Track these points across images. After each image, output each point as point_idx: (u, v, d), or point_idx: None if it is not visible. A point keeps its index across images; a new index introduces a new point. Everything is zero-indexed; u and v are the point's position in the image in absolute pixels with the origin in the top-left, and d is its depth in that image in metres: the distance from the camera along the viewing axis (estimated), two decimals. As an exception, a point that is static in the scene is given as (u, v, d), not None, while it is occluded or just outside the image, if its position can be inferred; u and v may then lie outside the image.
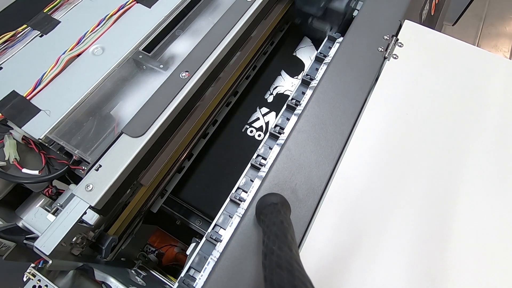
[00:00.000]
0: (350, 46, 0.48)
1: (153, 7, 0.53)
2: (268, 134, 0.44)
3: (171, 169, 0.55)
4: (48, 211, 0.44)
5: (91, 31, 0.50)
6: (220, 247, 0.37)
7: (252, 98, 0.67)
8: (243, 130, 0.63)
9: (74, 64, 0.47)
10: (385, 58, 0.48)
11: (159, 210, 0.58)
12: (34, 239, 0.37)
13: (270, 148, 0.43)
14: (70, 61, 0.47)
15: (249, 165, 0.43)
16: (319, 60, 0.51)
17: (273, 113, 0.65)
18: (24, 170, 0.42)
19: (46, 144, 0.42)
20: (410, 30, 0.50)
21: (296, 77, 0.68)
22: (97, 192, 0.36)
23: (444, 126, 0.42)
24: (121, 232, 0.49)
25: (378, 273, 0.33)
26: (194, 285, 0.36)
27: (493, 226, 0.36)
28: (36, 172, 0.42)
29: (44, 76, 0.45)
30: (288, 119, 0.46)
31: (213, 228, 0.39)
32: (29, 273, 0.37)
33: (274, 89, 0.68)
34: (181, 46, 0.50)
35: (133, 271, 0.53)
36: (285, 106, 0.47)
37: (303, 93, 0.48)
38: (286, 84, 0.68)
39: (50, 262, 0.35)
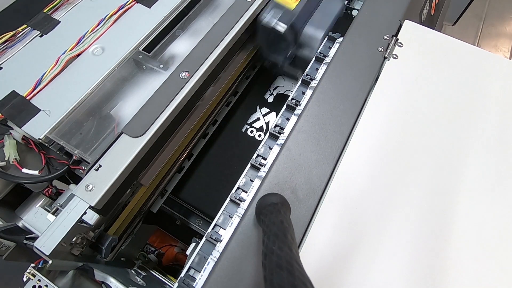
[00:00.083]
0: (350, 46, 0.48)
1: (153, 7, 0.53)
2: (268, 134, 0.44)
3: (171, 169, 0.55)
4: (48, 211, 0.44)
5: (91, 31, 0.50)
6: (220, 247, 0.37)
7: (252, 98, 0.67)
8: (243, 130, 0.63)
9: (74, 64, 0.47)
10: (385, 58, 0.48)
11: (159, 210, 0.58)
12: (34, 239, 0.37)
13: (270, 148, 0.43)
14: (70, 61, 0.47)
15: (249, 165, 0.43)
16: (319, 60, 0.51)
17: (274, 113, 0.65)
18: (24, 170, 0.42)
19: (46, 144, 0.42)
20: (410, 30, 0.50)
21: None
22: (97, 192, 0.36)
23: (444, 126, 0.42)
24: (121, 232, 0.49)
25: (378, 273, 0.33)
26: (194, 285, 0.36)
27: (493, 226, 0.36)
28: (36, 172, 0.42)
29: (44, 76, 0.45)
30: (288, 119, 0.46)
31: (213, 228, 0.39)
32: (29, 273, 0.37)
33: (274, 89, 0.68)
34: (181, 46, 0.50)
35: (133, 271, 0.53)
36: (285, 106, 0.47)
37: (303, 93, 0.47)
38: (286, 84, 0.68)
39: (50, 262, 0.35)
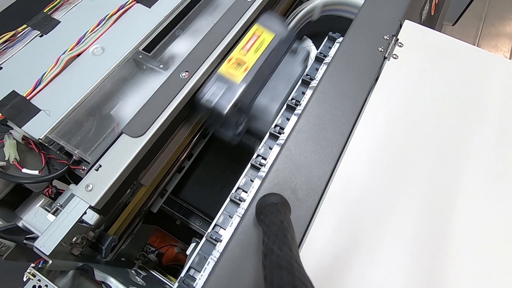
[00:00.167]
0: (350, 46, 0.48)
1: (153, 7, 0.53)
2: (268, 134, 0.44)
3: (171, 169, 0.55)
4: (48, 211, 0.44)
5: (91, 31, 0.50)
6: (220, 247, 0.37)
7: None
8: (243, 131, 0.63)
9: (74, 64, 0.47)
10: (385, 58, 0.48)
11: (159, 210, 0.58)
12: (34, 239, 0.37)
13: (270, 148, 0.43)
14: (70, 61, 0.47)
15: (249, 165, 0.43)
16: (319, 60, 0.51)
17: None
18: (24, 170, 0.42)
19: (46, 144, 0.42)
20: (410, 30, 0.50)
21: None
22: (97, 192, 0.36)
23: (444, 126, 0.42)
24: (121, 232, 0.49)
25: (378, 273, 0.33)
26: (194, 285, 0.36)
27: (493, 226, 0.36)
28: (36, 172, 0.42)
29: (44, 76, 0.45)
30: (288, 119, 0.46)
31: (213, 228, 0.39)
32: (29, 273, 0.37)
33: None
34: (181, 46, 0.50)
35: (133, 271, 0.53)
36: (285, 106, 0.47)
37: (303, 93, 0.47)
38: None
39: (50, 262, 0.35)
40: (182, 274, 0.37)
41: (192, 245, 0.42)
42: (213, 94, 0.44)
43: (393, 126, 0.42)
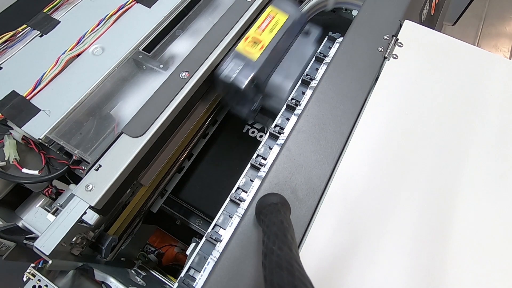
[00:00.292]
0: (350, 46, 0.48)
1: (153, 7, 0.53)
2: (268, 134, 0.44)
3: (171, 169, 0.55)
4: (48, 211, 0.44)
5: (91, 31, 0.50)
6: (220, 247, 0.37)
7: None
8: (244, 131, 0.63)
9: (74, 64, 0.47)
10: (385, 58, 0.48)
11: (159, 210, 0.58)
12: (34, 239, 0.37)
13: (270, 148, 0.43)
14: (70, 61, 0.47)
15: (249, 165, 0.43)
16: (319, 60, 0.51)
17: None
18: (24, 170, 0.42)
19: (46, 144, 0.42)
20: (410, 30, 0.50)
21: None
22: (97, 192, 0.36)
23: (444, 126, 0.42)
24: (121, 232, 0.49)
25: (378, 273, 0.33)
26: (194, 285, 0.36)
27: (493, 226, 0.36)
28: (36, 172, 0.42)
29: (44, 76, 0.45)
30: (288, 119, 0.46)
31: (213, 228, 0.39)
32: (29, 273, 0.37)
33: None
34: (181, 46, 0.50)
35: (133, 271, 0.53)
36: (285, 106, 0.47)
37: (303, 93, 0.47)
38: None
39: (50, 262, 0.35)
40: (182, 274, 0.37)
41: (192, 245, 0.42)
42: (231, 70, 0.46)
43: (393, 126, 0.42)
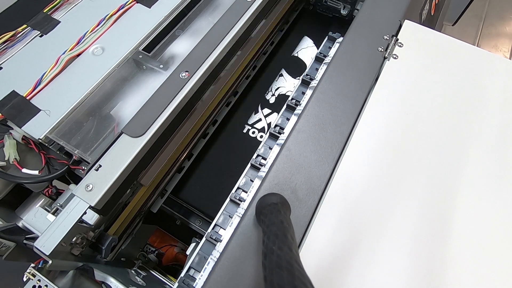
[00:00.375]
0: (350, 46, 0.48)
1: (153, 7, 0.53)
2: (268, 134, 0.44)
3: (171, 169, 0.55)
4: (48, 211, 0.44)
5: (91, 31, 0.50)
6: (220, 247, 0.37)
7: (253, 99, 0.67)
8: (244, 131, 0.63)
9: (74, 64, 0.47)
10: (385, 58, 0.48)
11: (159, 210, 0.58)
12: (34, 239, 0.37)
13: (270, 148, 0.43)
14: (70, 61, 0.47)
15: (249, 165, 0.43)
16: (319, 60, 0.51)
17: (275, 114, 0.64)
18: (24, 170, 0.42)
19: (46, 144, 0.42)
20: (410, 30, 0.50)
21: (298, 77, 0.68)
22: (97, 192, 0.36)
23: (444, 126, 0.42)
24: (121, 232, 0.49)
25: (378, 273, 0.33)
26: (194, 285, 0.36)
27: (493, 226, 0.36)
28: (36, 172, 0.42)
29: (44, 76, 0.45)
30: (288, 119, 0.46)
31: (213, 228, 0.39)
32: (29, 273, 0.37)
33: (276, 90, 0.67)
34: (181, 46, 0.50)
35: (133, 271, 0.53)
36: (285, 106, 0.47)
37: (303, 93, 0.48)
38: (288, 85, 0.68)
39: (50, 262, 0.35)
40: (182, 274, 0.37)
41: (192, 245, 0.42)
42: None
43: (393, 126, 0.42)
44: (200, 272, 0.36)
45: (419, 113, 0.43)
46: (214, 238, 0.37)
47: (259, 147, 0.44)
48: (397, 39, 0.49)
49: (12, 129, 0.43)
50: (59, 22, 0.51)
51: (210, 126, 0.63)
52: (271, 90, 0.67)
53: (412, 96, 0.44)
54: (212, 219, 0.39)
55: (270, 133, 0.44)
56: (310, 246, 0.34)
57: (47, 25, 0.50)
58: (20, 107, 0.42)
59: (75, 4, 0.53)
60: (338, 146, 0.40)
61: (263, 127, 0.63)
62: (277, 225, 0.29)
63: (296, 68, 0.69)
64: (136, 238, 0.56)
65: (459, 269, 0.34)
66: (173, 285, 0.44)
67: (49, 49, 0.48)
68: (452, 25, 1.25)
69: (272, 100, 0.66)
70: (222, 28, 0.49)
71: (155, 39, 0.50)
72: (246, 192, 0.40)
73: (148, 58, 0.48)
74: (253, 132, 0.63)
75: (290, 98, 0.47)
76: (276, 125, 0.45)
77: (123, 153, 0.39)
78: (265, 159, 0.42)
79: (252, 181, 0.41)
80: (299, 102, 0.46)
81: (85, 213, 0.37)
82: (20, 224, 0.43)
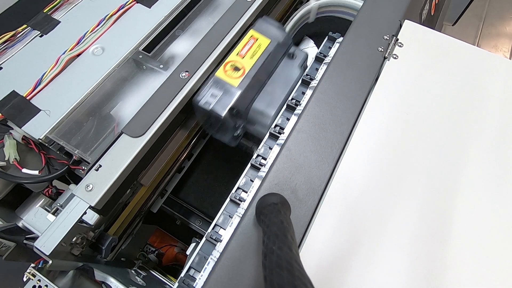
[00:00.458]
0: (350, 46, 0.48)
1: (153, 7, 0.53)
2: (268, 134, 0.44)
3: (171, 169, 0.55)
4: (48, 211, 0.44)
5: (91, 31, 0.50)
6: (220, 247, 0.37)
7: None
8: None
9: (74, 64, 0.47)
10: (385, 58, 0.48)
11: (159, 210, 0.58)
12: (34, 239, 0.37)
13: (270, 148, 0.43)
14: (70, 61, 0.47)
15: (249, 165, 0.43)
16: (319, 60, 0.51)
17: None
18: (24, 170, 0.42)
19: (46, 144, 0.42)
20: (410, 30, 0.50)
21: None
22: (97, 192, 0.36)
23: (444, 126, 0.42)
24: (121, 232, 0.49)
25: (378, 273, 0.33)
26: (194, 285, 0.36)
27: (493, 226, 0.36)
28: (36, 172, 0.42)
29: (44, 76, 0.45)
30: (288, 119, 0.46)
31: (213, 228, 0.39)
32: (29, 273, 0.37)
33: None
34: (181, 46, 0.50)
35: (133, 271, 0.53)
36: (285, 106, 0.47)
37: (303, 93, 0.47)
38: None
39: (50, 262, 0.35)
40: (182, 274, 0.37)
41: (192, 245, 0.42)
42: (210, 97, 0.44)
43: (393, 126, 0.42)
44: (200, 272, 0.36)
45: (419, 113, 0.43)
46: (214, 238, 0.37)
47: (259, 147, 0.44)
48: (397, 39, 0.49)
49: (12, 129, 0.43)
50: (59, 22, 0.51)
51: (210, 126, 0.63)
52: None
53: (412, 96, 0.44)
54: (212, 219, 0.39)
55: (270, 133, 0.44)
56: (310, 246, 0.34)
57: (47, 25, 0.50)
58: (20, 107, 0.42)
59: (75, 4, 0.53)
60: (338, 146, 0.40)
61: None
62: (277, 225, 0.29)
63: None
64: (136, 238, 0.56)
65: (459, 269, 0.34)
66: (173, 285, 0.44)
67: (49, 49, 0.48)
68: (452, 25, 1.25)
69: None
70: (222, 28, 0.49)
71: (155, 39, 0.50)
72: (246, 192, 0.40)
73: (148, 58, 0.48)
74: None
75: (290, 98, 0.47)
76: (276, 125, 0.45)
77: (123, 153, 0.39)
78: (265, 159, 0.42)
79: (252, 181, 0.41)
80: (299, 102, 0.46)
81: (85, 213, 0.37)
82: (20, 224, 0.43)
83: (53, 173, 0.43)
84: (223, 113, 0.43)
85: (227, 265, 0.33)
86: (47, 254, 0.34)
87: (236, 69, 0.46)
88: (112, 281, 0.42)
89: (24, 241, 0.41)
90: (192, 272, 0.37)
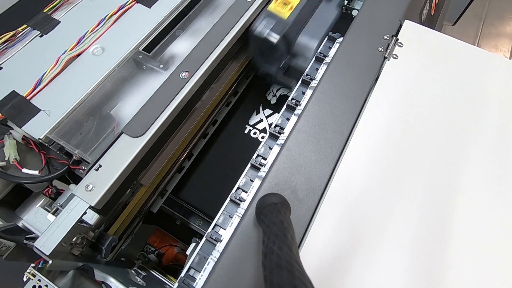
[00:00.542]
0: (350, 46, 0.48)
1: (153, 7, 0.53)
2: (268, 134, 0.44)
3: (171, 169, 0.55)
4: (48, 211, 0.44)
5: (91, 31, 0.50)
6: (220, 247, 0.37)
7: (254, 99, 0.67)
8: (246, 132, 0.63)
9: (74, 64, 0.47)
10: (385, 58, 0.48)
11: (159, 210, 0.58)
12: (34, 239, 0.37)
13: (270, 148, 0.43)
14: (70, 61, 0.47)
15: (249, 165, 0.43)
16: (319, 60, 0.51)
17: (277, 115, 0.64)
18: (24, 170, 0.42)
19: (46, 144, 0.42)
20: (410, 30, 0.50)
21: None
22: (97, 192, 0.36)
23: (444, 126, 0.42)
24: (121, 232, 0.49)
25: (378, 273, 0.33)
26: (194, 285, 0.36)
27: (493, 226, 0.36)
28: (36, 172, 0.42)
29: (44, 76, 0.45)
30: (288, 119, 0.46)
31: (213, 228, 0.39)
32: (29, 273, 0.37)
33: (277, 90, 0.67)
34: (181, 46, 0.50)
35: (133, 271, 0.53)
36: (285, 106, 0.47)
37: (303, 93, 0.48)
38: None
39: (50, 262, 0.35)
40: (182, 274, 0.37)
41: (192, 245, 0.42)
42: (264, 27, 0.50)
43: (393, 126, 0.42)
44: (200, 272, 0.36)
45: (419, 113, 0.43)
46: (214, 238, 0.37)
47: (259, 147, 0.44)
48: (397, 39, 0.49)
49: (12, 129, 0.43)
50: (59, 22, 0.51)
51: (210, 126, 0.63)
52: (272, 91, 0.67)
53: (412, 96, 0.44)
54: (212, 219, 0.39)
55: (270, 133, 0.44)
56: (310, 246, 0.34)
57: (47, 25, 0.50)
58: (20, 107, 0.42)
59: (75, 4, 0.53)
60: (338, 146, 0.40)
61: (265, 128, 0.63)
62: (277, 225, 0.29)
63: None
64: (136, 238, 0.56)
65: (459, 269, 0.34)
66: (173, 285, 0.44)
67: (49, 49, 0.48)
68: (452, 25, 1.25)
69: (273, 100, 0.66)
70: (222, 28, 0.49)
71: (155, 39, 0.50)
72: (246, 192, 0.40)
73: (148, 58, 0.48)
74: (254, 133, 0.63)
75: (290, 98, 0.47)
76: (276, 125, 0.45)
77: (123, 153, 0.39)
78: (265, 159, 0.42)
79: (252, 181, 0.41)
80: (299, 102, 0.46)
81: (85, 213, 0.37)
82: (20, 224, 0.43)
83: (53, 173, 0.43)
84: (276, 40, 0.49)
85: (227, 265, 0.33)
86: (47, 254, 0.34)
87: (285, 4, 0.52)
88: (112, 281, 0.42)
89: (24, 241, 0.41)
90: (192, 272, 0.37)
